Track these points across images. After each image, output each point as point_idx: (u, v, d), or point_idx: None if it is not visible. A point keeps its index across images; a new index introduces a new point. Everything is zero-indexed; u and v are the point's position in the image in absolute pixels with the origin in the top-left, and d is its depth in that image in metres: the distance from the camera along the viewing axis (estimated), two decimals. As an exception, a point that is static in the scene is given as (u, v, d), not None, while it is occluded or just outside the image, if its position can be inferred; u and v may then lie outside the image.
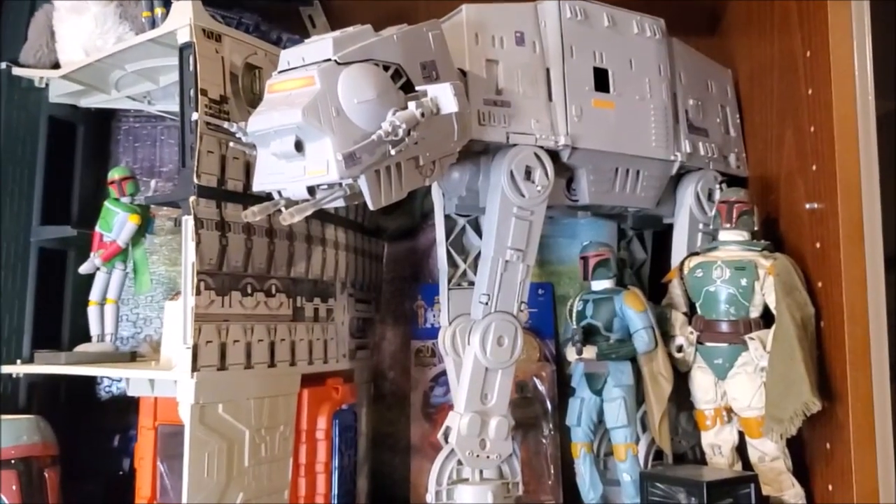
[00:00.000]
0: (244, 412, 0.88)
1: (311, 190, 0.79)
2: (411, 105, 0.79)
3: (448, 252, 1.09)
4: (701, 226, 1.11)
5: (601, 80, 1.03)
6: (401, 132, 0.77)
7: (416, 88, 0.83)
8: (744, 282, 0.99)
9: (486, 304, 0.95)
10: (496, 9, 0.99)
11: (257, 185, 0.81)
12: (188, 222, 0.85)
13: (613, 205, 1.07)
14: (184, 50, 0.88)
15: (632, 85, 1.05)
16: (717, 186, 1.12)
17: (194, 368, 0.83)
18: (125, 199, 1.06)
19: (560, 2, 1.01)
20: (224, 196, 0.88)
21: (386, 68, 0.82)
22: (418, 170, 0.85)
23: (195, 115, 0.81)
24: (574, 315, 1.06)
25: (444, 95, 0.80)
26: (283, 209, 0.80)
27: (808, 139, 1.00)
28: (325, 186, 0.78)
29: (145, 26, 1.00)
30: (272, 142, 0.78)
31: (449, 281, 1.08)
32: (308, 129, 0.75)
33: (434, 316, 1.26)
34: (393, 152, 0.78)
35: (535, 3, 1.02)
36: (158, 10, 0.98)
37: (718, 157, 1.14)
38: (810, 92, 0.99)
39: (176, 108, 0.90)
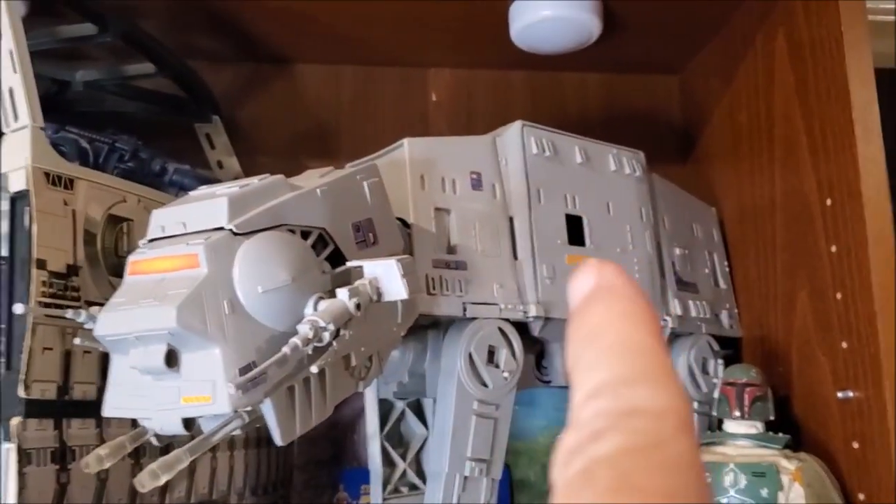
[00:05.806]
0: None
1: (189, 423, 0.53)
2: (341, 295, 0.55)
3: (383, 448, 0.83)
4: (696, 405, 0.90)
5: (575, 231, 0.82)
6: (327, 336, 0.53)
7: (347, 263, 0.59)
8: (765, 492, 0.77)
9: (440, 541, 0.70)
10: (446, 143, 0.78)
11: (110, 410, 0.54)
12: (9, 455, 0.58)
13: (594, 387, 0.84)
14: (17, 201, 0.63)
15: (611, 235, 0.85)
16: (714, 357, 0.91)
17: None
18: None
19: (524, 132, 0.80)
20: (67, 411, 0.61)
21: (304, 235, 0.59)
22: (349, 371, 0.61)
23: (20, 308, 0.55)
24: None
25: (388, 277, 0.57)
26: (153, 439, 0.55)
27: (834, 308, 0.80)
28: (211, 416, 0.53)
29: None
30: (133, 349, 0.52)
31: (384, 487, 0.82)
32: (186, 336, 0.50)
33: (361, 511, 0.99)
34: (314, 369, 0.53)
35: (494, 136, 0.81)
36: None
37: (710, 316, 0.93)
38: (834, 249, 0.80)
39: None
